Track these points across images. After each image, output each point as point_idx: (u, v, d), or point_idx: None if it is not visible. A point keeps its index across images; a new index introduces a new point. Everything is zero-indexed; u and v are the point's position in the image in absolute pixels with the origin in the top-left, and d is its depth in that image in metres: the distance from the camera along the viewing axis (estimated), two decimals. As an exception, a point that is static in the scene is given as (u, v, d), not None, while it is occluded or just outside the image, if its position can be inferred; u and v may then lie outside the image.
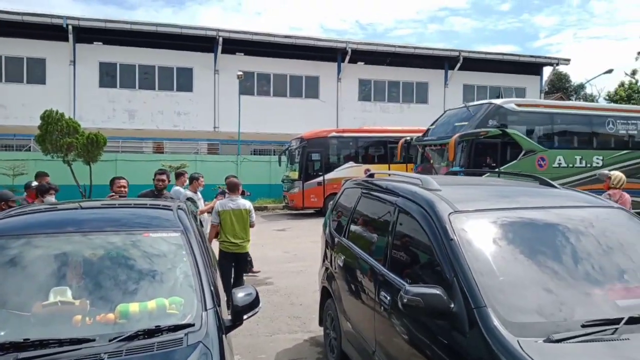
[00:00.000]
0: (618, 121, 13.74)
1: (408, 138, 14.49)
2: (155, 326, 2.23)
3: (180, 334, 2.23)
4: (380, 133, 17.56)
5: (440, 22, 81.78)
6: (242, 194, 6.53)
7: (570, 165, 12.97)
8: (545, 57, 27.83)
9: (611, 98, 33.12)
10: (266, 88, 24.30)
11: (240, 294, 2.59)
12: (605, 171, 6.66)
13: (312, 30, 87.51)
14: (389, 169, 15.09)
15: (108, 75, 22.16)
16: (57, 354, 2.05)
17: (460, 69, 25.64)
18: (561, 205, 3.01)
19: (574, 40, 73.30)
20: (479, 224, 2.69)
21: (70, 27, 20.54)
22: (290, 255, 9.57)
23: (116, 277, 2.56)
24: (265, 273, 7.90)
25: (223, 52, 22.47)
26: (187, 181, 7.21)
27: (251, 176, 18.20)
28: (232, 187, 6.03)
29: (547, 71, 28.89)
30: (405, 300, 2.29)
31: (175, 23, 22.31)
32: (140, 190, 6.29)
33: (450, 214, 2.70)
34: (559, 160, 12.88)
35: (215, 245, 5.90)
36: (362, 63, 24.86)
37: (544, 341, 2.00)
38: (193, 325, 2.29)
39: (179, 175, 7.33)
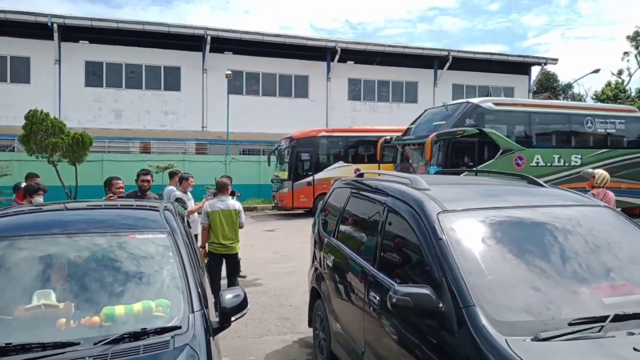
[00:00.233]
0: (596, 120, 13.79)
1: (388, 137, 14.44)
2: (142, 329, 2.20)
3: (166, 336, 2.20)
4: (370, 133, 17.55)
5: (430, 21, 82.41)
6: (232, 194, 6.48)
7: (549, 164, 13.00)
8: (534, 57, 28.08)
9: (598, 98, 33.62)
10: (255, 87, 24.18)
11: (228, 296, 2.56)
12: (589, 169, 6.69)
13: (302, 29, 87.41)
14: (379, 169, 15.12)
15: (94, 75, 21.86)
16: (40, 358, 2.01)
17: (449, 68, 25.78)
18: (549, 204, 3.03)
19: (562, 40, 74.35)
20: (468, 223, 2.70)
21: (55, 26, 20.23)
22: (279, 256, 9.53)
23: (102, 279, 2.52)
24: (254, 274, 7.84)
25: (211, 51, 22.31)
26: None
27: (240, 176, 18.00)
28: (221, 188, 5.96)
29: (535, 71, 29.26)
30: (394, 300, 2.29)
31: (162, 22, 22.14)
32: (126, 191, 6.19)
33: (439, 213, 2.70)
34: (537, 159, 12.88)
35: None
36: (352, 62, 24.87)
37: (532, 340, 2.01)
38: (180, 327, 2.26)
39: (172, 175, 7.38)
